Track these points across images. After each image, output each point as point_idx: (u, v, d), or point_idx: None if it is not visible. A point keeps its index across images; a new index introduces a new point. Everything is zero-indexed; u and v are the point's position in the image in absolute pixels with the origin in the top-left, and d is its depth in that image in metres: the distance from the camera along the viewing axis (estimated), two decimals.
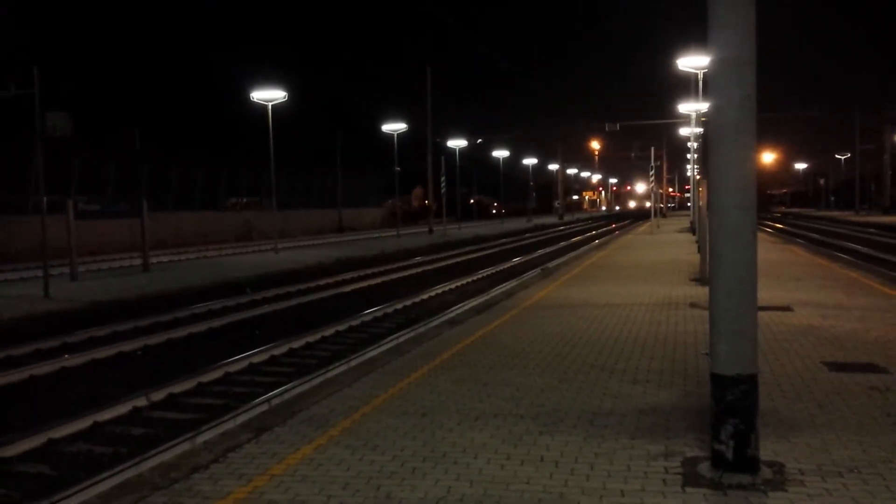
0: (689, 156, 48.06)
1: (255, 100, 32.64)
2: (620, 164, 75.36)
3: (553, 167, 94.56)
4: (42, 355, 12.12)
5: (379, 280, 22.99)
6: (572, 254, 30.11)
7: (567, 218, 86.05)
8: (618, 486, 4.91)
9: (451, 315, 13.98)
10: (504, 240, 45.72)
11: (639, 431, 5.98)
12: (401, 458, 5.54)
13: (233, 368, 10.90)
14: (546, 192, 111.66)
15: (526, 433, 6.01)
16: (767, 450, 5.34)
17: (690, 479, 4.98)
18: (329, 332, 13.63)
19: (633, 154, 73.45)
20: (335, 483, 5.09)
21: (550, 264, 24.88)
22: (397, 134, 47.48)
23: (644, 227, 49.96)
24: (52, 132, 21.14)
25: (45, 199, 18.65)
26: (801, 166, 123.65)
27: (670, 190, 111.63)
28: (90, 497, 5.23)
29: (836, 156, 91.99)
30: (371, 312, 15.63)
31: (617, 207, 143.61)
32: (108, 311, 16.20)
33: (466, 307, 15.27)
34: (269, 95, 32.23)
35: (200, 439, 6.80)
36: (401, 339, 11.51)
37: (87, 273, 22.92)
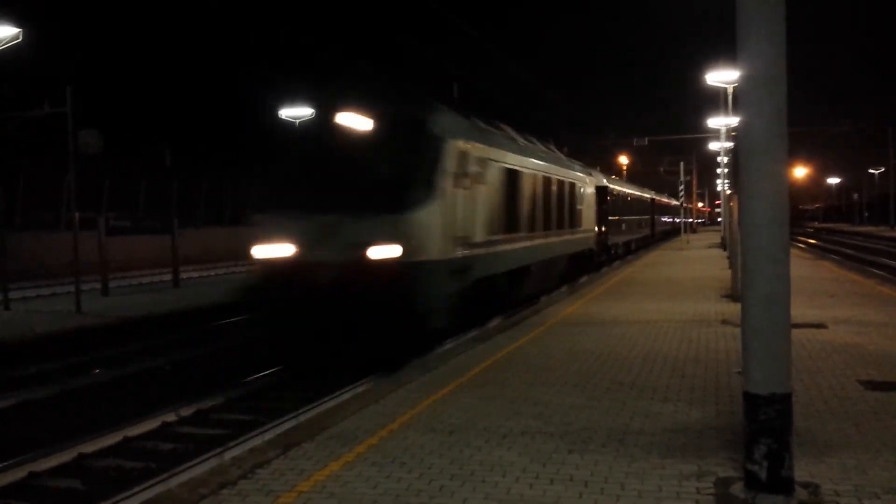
0: (719, 170, 47.19)
1: (283, 117, 32.92)
2: (649, 178, 70.55)
3: None
4: (73, 370, 12.26)
5: None
6: (601, 269, 29.88)
7: None
8: None
9: (478, 331, 13.91)
10: None
11: (670, 451, 5.89)
12: (428, 475, 5.50)
13: (261, 384, 10.92)
14: None
15: (555, 452, 5.95)
16: (802, 470, 5.23)
17: (723, 500, 4.89)
18: None
19: (661, 169, 72.72)
20: (362, 501, 5.07)
21: (578, 280, 24.69)
22: None
23: (675, 243, 49.35)
24: (84, 150, 21.47)
25: (77, 215, 18.93)
26: (833, 181, 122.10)
27: (700, 205, 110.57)
28: None
29: (870, 170, 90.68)
30: None
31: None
32: (138, 326, 16.36)
33: (493, 323, 15.20)
34: (297, 112, 32.49)
35: (229, 455, 6.81)
36: (428, 356, 11.46)
37: (118, 289, 23.19)
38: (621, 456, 5.80)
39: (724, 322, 12.57)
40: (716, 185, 62.51)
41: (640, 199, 42.49)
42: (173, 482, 6.04)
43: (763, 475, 4.85)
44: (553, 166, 20.02)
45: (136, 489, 6.45)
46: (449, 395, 7.92)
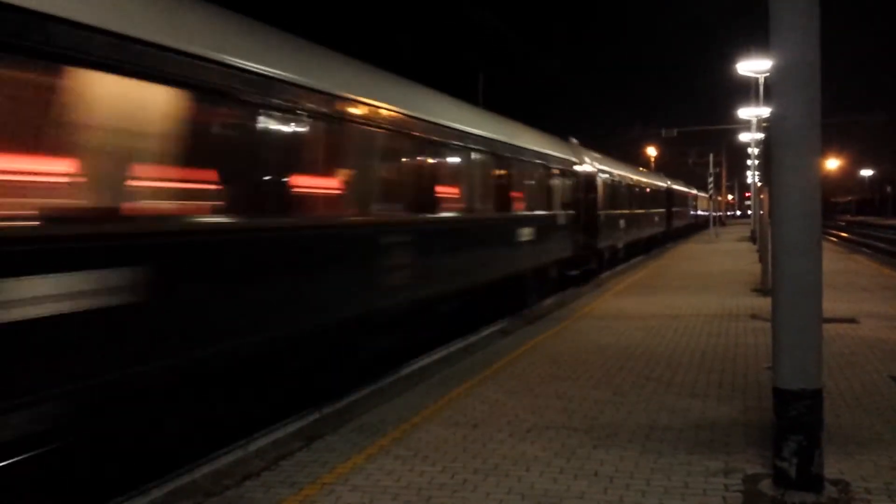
0: (749, 162, 46.68)
1: None
2: (678, 170, 69.14)
3: None
4: None
5: None
6: (627, 263, 29.66)
7: None
8: (675, 503, 4.77)
9: (503, 325, 13.87)
10: None
11: (697, 447, 5.81)
12: (451, 469, 5.48)
13: None
14: None
15: (579, 446, 5.89)
16: (832, 467, 5.14)
17: (751, 496, 4.82)
18: None
19: (690, 160, 71.84)
20: (385, 493, 5.06)
21: (604, 274, 24.54)
22: None
23: (702, 236, 49.01)
24: None
25: None
26: (866, 173, 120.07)
27: (729, 197, 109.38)
28: (145, 502, 5.29)
29: None
30: None
31: None
32: None
33: (517, 317, 15.14)
34: None
35: (253, 446, 6.83)
36: (451, 349, 11.44)
37: None
38: (647, 451, 5.73)
39: (754, 317, 12.40)
40: (745, 177, 61.42)
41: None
42: (198, 473, 6.06)
43: (792, 472, 4.77)
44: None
45: (161, 480, 6.48)
46: (473, 388, 7.89)
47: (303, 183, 7.37)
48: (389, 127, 8.84)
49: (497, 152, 12.59)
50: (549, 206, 15.98)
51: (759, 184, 25.37)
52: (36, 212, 4.66)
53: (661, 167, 61.79)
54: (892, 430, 6.10)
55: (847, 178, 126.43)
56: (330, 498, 5.01)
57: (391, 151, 9.14)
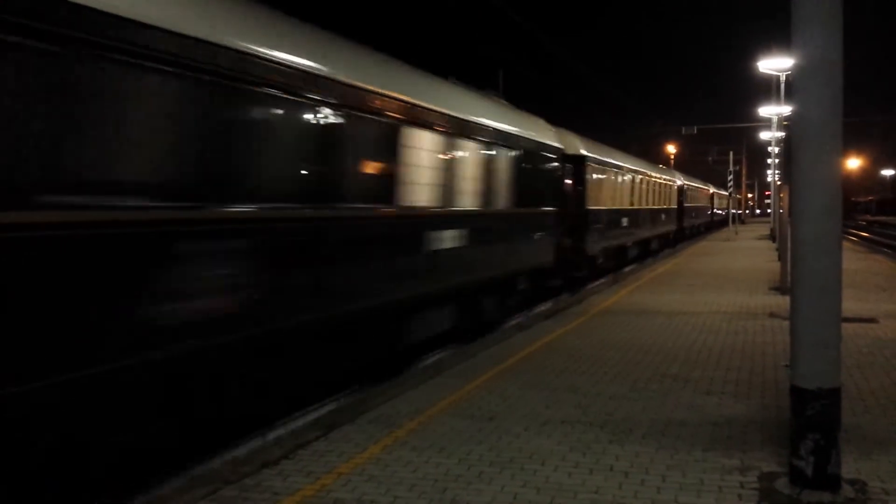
0: (769, 160, 46.44)
1: None
2: (697, 168, 69.05)
3: None
4: None
5: None
6: (645, 260, 29.54)
7: None
8: (690, 499, 4.78)
9: (520, 319, 13.88)
10: None
11: (713, 444, 5.81)
12: (467, 461, 5.51)
13: None
14: None
15: (595, 441, 5.91)
16: (849, 467, 5.13)
17: (767, 495, 4.82)
18: None
19: (710, 158, 71.35)
20: (401, 484, 5.10)
21: (621, 270, 24.46)
22: None
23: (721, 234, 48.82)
24: None
25: None
26: (888, 172, 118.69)
27: (749, 195, 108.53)
28: (166, 489, 5.37)
29: None
30: None
31: None
32: None
33: (535, 312, 15.15)
34: None
35: (272, 435, 6.90)
36: (468, 343, 11.48)
37: None
38: (663, 447, 5.74)
39: (772, 315, 12.35)
40: (765, 176, 61.34)
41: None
42: (217, 461, 6.13)
43: (809, 471, 4.76)
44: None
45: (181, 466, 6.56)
46: (489, 381, 7.92)
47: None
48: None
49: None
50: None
51: (780, 182, 25.19)
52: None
53: (681, 164, 61.90)
54: None
55: (868, 177, 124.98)
56: (346, 488, 5.06)
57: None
